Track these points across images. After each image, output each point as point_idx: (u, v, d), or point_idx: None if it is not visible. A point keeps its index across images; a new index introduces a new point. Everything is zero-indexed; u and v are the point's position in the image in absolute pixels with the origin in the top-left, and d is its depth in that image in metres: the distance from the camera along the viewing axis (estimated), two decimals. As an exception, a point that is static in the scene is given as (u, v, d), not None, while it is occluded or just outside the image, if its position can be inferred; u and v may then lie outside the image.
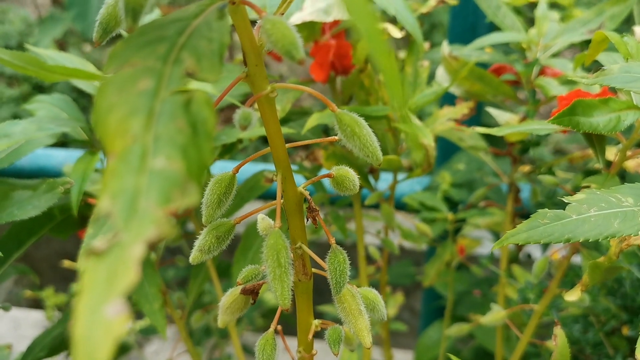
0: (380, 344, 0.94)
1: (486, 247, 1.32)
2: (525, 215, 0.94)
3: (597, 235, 0.36)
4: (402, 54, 0.79)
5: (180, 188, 0.17)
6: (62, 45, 3.14)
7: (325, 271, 0.38)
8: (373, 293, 0.42)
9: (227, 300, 0.42)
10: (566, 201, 0.38)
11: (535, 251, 1.39)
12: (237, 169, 0.36)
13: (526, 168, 0.84)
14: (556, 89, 0.64)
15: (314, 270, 0.41)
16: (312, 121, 0.61)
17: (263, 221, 0.43)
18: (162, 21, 0.22)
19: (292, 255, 0.38)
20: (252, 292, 0.41)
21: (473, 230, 1.08)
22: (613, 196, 0.38)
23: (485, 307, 1.18)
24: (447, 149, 1.14)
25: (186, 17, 0.22)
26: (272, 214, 0.41)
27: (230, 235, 0.38)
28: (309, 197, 0.37)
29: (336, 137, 0.36)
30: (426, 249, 1.26)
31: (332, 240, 0.37)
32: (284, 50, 0.25)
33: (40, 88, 2.82)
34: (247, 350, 1.28)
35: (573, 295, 0.51)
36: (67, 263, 1.46)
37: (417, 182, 1.15)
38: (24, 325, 1.86)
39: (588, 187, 0.50)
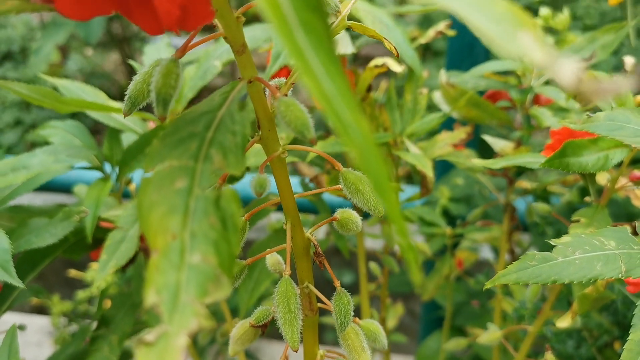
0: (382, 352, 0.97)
1: (485, 253, 1.35)
2: (522, 229, 0.97)
3: (581, 278, 0.39)
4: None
5: (214, 281, 0.20)
6: (64, 49, 3.17)
7: (326, 304, 0.41)
8: (374, 325, 0.45)
9: (238, 332, 0.45)
10: (553, 244, 0.41)
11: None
12: (249, 216, 0.39)
13: (523, 184, 0.87)
14: (549, 119, 0.67)
15: (319, 305, 0.44)
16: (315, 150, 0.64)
17: (271, 257, 0.46)
18: (193, 114, 0.25)
19: (299, 291, 0.41)
20: (262, 326, 0.44)
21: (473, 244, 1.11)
22: (597, 239, 0.41)
23: (483, 318, 1.21)
24: (445, 163, 1.17)
25: (212, 109, 0.25)
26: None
27: (243, 274, 0.41)
28: (315, 242, 0.40)
29: (339, 187, 0.39)
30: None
31: (337, 283, 0.40)
32: (296, 130, 0.28)
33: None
34: (250, 355, 1.31)
35: (564, 322, 0.54)
36: (72, 272, 1.49)
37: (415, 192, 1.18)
38: (29, 331, 1.89)
39: (578, 221, 0.53)
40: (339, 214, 0.42)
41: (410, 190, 1.16)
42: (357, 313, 0.79)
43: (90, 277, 1.40)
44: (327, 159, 0.36)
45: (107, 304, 1.30)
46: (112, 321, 0.73)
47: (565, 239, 0.42)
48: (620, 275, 0.39)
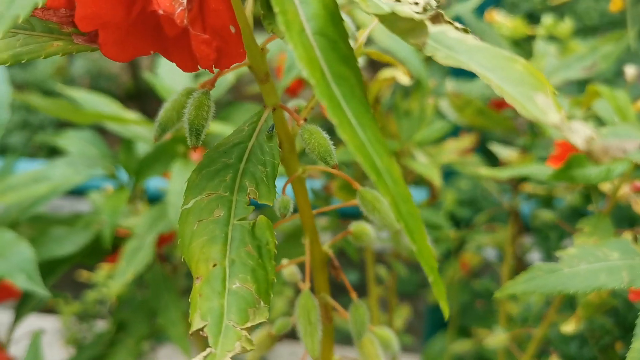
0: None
1: (489, 253, 1.37)
2: (526, 229, 0.99)
3: (586, 288, 0.41)
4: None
5: (254, 306, 0.22)
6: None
7: (337, 310, 0.43)
8: (387, 333, 0.47)
9: (257, 339, 0.47)
10: (559, 255, 0.43)
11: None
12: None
13: (527, 188, 0.89)
14: (553, 129, 0.68)
15: (335, 313, 0.46)
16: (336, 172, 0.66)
17: (288, 268, 0.48)
18: (225, 146, 0.27)
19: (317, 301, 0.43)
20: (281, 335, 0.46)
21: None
22: (600, 251, 0.43)
23: (488, 319, 1.23)
24: (451, 166, 1.18)
25: (243, 140, 0.27)
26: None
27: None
28: (332, 256, 0.42)
29: (355, 202, 0.41)
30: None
31: (354, 295, 0.42)
32: (319, 156, 0.30)
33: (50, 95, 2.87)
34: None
35: (569, 327, 0.56)
36: (84, 274, 1.51)
37: (419, 192, 1.19)
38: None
39: (581, 229, 0.55)
40: (353, 227, 0.44)
41: (417, 194, 1.18)
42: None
43: (99, 278, 1.41)
44: (345, 178, 0.38)
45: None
46: (130, 325, 0.75)
47: (570, 250, 0.43)
48: (623, 286, 0.41)
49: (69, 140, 0.76)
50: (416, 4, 0.19)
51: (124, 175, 0.76)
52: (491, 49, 0.17)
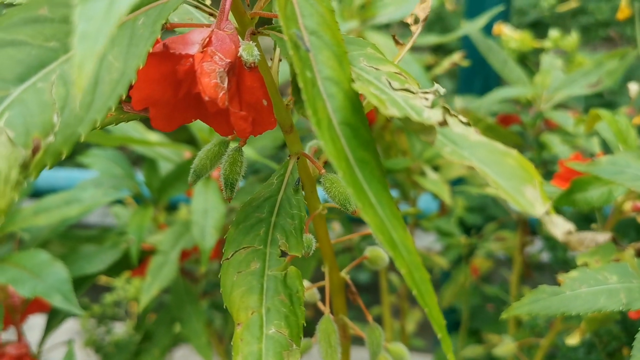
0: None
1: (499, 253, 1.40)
2: (534, 234, 1.02)
3: (587, 310, 0.44)
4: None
5: (287, 349, 0.25)
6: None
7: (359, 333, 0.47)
8: (401, 348, 0.51)
9: None
10: (561, 279, 0.46)
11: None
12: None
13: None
14: (558, 147, 0.71)
15: (352, 332, 0.50)
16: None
17: (307, 291, 0.51)
18: (257, 200, 0.30)
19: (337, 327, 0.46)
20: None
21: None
22: (601, 274, 0.46)
23: (499, 322, 1.26)
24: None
25: (272, 194, 0.31)
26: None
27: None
28: (349, 281, 0.45)
29: (369, 232, 0.44)
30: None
31: (370, 318, 0.46)
32: (340, 203, 0.33)
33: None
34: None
35: (573, 339, 0.59)
36: (103, 279, 1.56)
37: (432, 200, 1.22)
38: (58, 332, 1.96)
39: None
40: (369, 252, 0.47)
41: (430, 204, 1.21)
42: (379, 322, 0.85)
43: (118, 282, 1.46)
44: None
45: (134, 306, 1.36)
46: (154, 336, 0.79)
47: (572, 274, 0.47)
48: (621, 308, 0.44)
49: (94, 159, 0.80)
50: (426, 98, 0.22)
51: (146, 191, 0.80)
52: (488, 145, 0.20)
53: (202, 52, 0.26)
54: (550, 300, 0.46)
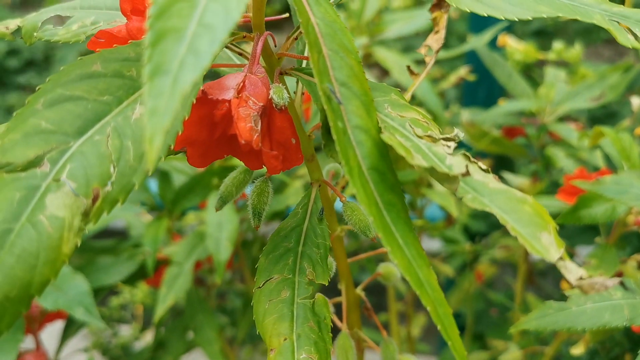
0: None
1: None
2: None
3: (592, 325, 0.46)
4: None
5: (317, 374, 0.27)
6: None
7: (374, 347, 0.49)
8: (411, 359, 0.53)
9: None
10: (567, 294, 0.48)
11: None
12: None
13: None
14: (562, 160, 0.73)
15: (366, 344, 0.52)
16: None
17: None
18: (285, 230, 0.32)
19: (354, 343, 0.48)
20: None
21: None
22: (605, 290, 0.48)
23: (503, 326, 1.28)
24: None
25: (298, 223, 0.33)
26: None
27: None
28: (364, 298, 0.47)
29: (385, 250, 0.46)
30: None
31: (384, 333, 0.48)
32: (360, 230, 0.35)
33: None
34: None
35: (578, 350, 0.61)
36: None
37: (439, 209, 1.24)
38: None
39: (589, 262, 0.60)
40: (382, 269, 0.49)
41: (433, 207, 1.23)
42: (387, 328, 0.87)
43: (124, 286, 1.48)
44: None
45: (140, 309, 1.38)
46: (168, 344, 0.81)
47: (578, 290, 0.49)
48: (625, 324, 0.46)
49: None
50: (448, 146, 0.24)
51: (159, 201, 0.82)
52: (507, 192, 0.22)
53: (237, 97, 0.28)
54: (557, 316, 0.48)
